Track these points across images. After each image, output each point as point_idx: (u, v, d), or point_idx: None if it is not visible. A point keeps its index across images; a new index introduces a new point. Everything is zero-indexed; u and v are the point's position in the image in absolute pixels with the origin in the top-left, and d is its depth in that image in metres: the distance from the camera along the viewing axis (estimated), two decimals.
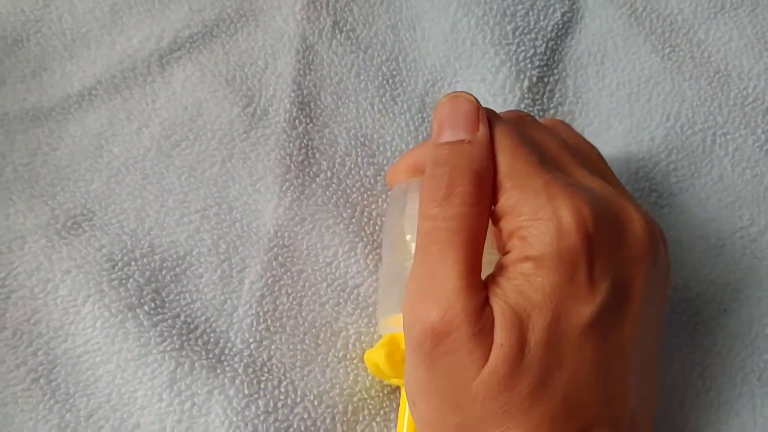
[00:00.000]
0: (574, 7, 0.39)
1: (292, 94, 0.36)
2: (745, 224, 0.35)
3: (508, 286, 0.24)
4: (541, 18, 0.38)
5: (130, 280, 0.32)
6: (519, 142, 0.25)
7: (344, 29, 0.38)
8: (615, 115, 0.37)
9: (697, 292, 0.33)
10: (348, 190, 0.35)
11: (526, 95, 0.36)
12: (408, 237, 0.29)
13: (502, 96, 0.36)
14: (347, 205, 0.34)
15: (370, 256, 0.33)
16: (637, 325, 0.25)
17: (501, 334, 0.23)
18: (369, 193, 0.35)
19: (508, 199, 0.25)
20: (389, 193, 0.35)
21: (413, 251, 0.25)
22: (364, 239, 0.33)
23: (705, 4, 0.39)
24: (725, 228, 0.35)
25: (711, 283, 0.34)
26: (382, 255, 0.32)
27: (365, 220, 0.34)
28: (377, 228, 0.34)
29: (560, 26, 0.38)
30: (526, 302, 0.23)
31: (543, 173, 0.25)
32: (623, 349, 0.24)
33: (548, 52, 0.38)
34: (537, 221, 0.24)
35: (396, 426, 0.30)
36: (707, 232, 0.35)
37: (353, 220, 0.34)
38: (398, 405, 0.31)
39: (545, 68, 0.37)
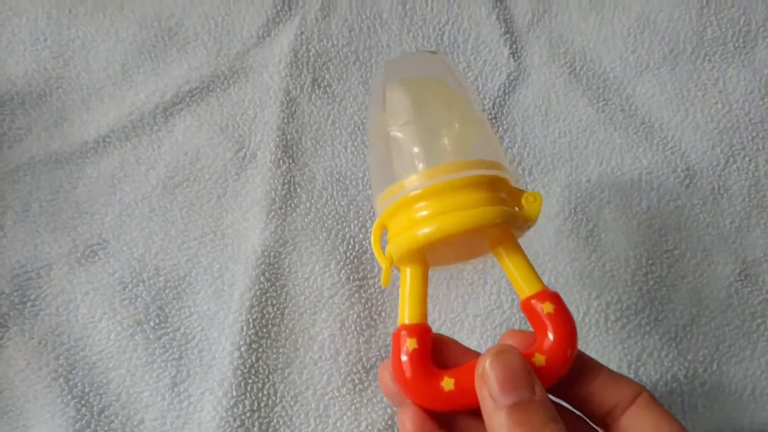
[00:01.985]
0: (520, 66, 0.45)
1: (277, 139, 0.42)
2: (669, 248, 0.40)
3: None
4: (489, 81, 0.44)
5: (138, 299, 0.37)
6: None
7: (322, 84, 0.44)
8: (558, 159, 0.42)
9: (628, 305, 0.39)
10: (324, 218, 0.40)
11: None
12: (391, 131, 0.31)
13: None
14: (323, 229, 0.39)
15: (343, 272, 0.38)
16: None
17: None
18: (342, 219, 0.40)
19: None
20: (370, 84, 0.38)
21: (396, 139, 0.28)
22: (337, 257, 0.39)
23: (633, 64, 0.45)
24: (653, 251, 0.40)
25: (641, 296, 0.39)
26: (370, 145, 0.35)
27: (339, 241, 0.39)
28: (348, 248, 0.39)
29: (507, 84, 0.44)
30: None
31: None
32: None
33: (496, 107, 0.44)
34: None
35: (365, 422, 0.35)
36: (638, 253, 0.40)
37: (327, 242, 0.39)
38: (367, 402, 0.35)
39: (494, 121, 0.43)
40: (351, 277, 0.38)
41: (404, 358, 0.27)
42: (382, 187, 0.30)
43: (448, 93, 0.33)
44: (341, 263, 0.39)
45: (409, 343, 0.27)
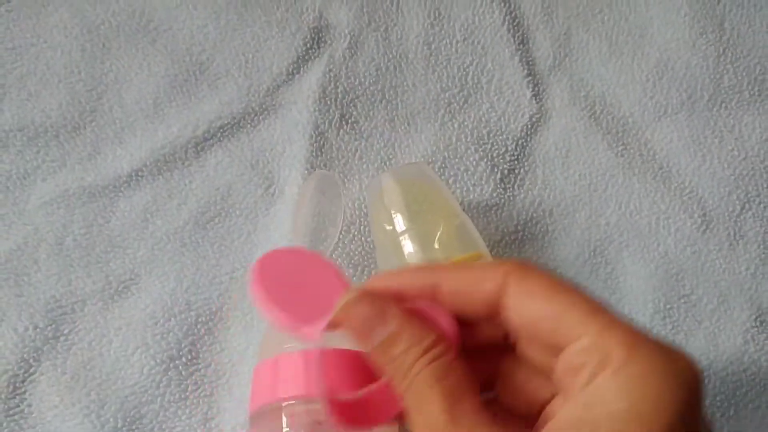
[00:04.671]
0: (542, 108, 0.46)
1: (305, 173, 0.42)
2: (686, 292, 0.42)
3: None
4: (511, 121, 0.45)
5: (171, 334, 0.37)
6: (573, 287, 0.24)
7: (350, 121, 0.45)
8: (578, 201, 0.44)
9: None
10: (351, 253, 0.41)
11: (499, 185, 0.43)
12: (389, 228, 0.36)
13: (479, 186, 0.43)
14: (350, 265, 0.40)
15: None
16: None
17: None
18: (368, 255, 0.41)
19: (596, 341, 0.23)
20: (366, 188, 0.41)
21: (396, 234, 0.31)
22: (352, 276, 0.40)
23: (651, 109, 0.47)
24: (671, 295, 0.41)
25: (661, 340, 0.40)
26: (374, 241, 0.39)
27: (365, 278, 0.40)
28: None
29: (529, 126, 0.45)
30: None
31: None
32: None
33: (518, 148, 0.45)
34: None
35: None
36: (656, 297, 0.41)
37: (354, 278, 0.40)
38: None
39: (515, 162, 0.44)
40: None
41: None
42: None
43: (437, 196, 0.39)
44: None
45: None
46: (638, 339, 0.22)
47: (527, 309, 0.24)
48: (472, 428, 0.23)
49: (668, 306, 0.41)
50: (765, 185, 0.44)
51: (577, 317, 0.23)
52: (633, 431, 0.21)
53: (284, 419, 0.31)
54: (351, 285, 0.27)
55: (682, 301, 0.41)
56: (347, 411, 0.26)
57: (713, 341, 0.40)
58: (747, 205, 0.44)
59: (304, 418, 0.31)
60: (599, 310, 0.23)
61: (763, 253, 0.43)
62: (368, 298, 0.25)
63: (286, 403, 0.31)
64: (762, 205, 0.44)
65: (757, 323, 0.41)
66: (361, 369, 0.28)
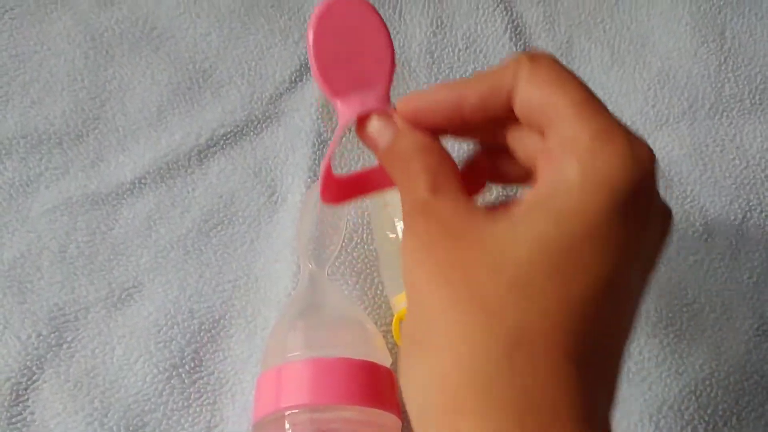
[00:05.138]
0: None
1: (308, 180, 0.42)
2: (689, 301, 0.42)
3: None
4: None
5: (173, 342, 0.37)
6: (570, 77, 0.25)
7: (351, 128, 0.45)
8: None
9: (649, 357, 0.40)
10: (354, 261, 0.41)
11: (501, 194, 0.43)
12: (392, 236, 0.36)
13: (481, 195, 0.43)
14: (352, 273, 0.40)
15: (371, 316, 0.39)
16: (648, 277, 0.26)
17: None
18: (371, 263, 0.41)
19: (566, 128, 0.24)
20: (370, 203, 0.41)
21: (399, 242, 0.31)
22: (366, 302, 0.40)
23: (653, 118, 0.47)
24: (674, 304, 0.42)
25: (662, 349, 0.40)
26: (377, 249, 0.40)
27: (367, 285, 0.40)
28: (377, 293, 0.40)
29: None
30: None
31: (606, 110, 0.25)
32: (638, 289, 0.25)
33: None
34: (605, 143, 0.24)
35: None
36: (659, 306, 0.41)
37: (357, 285, 0.40)
38: None
39: None
40: (378, 322, 0.39)
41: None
42: (396, 291, 0.37)
43: None
44: (369, 307, 0.39)
45: None
46: (605, 127, 0.24)
47: (528, 97, 0.25)
48: (454, 201, 0.25)
49: (671, 315, 0.41)
50: (766, 194, 0.45)
51: (563, 105, 0.25)
52: (582, 199, 0.23)
53: (288, 428, 0.31)
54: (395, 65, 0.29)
55: (685, 309, 0.41)
56: (340, 187, 0.30)
57: (716, 350, 0.40)
58: (748, 214, 0.44)
59: (307, 427, 0.31)
60: (585, 100, 0.25)
61: (765, 261, 0.43)
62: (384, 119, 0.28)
63: (290, 412, 0.31)
64: (763, 214, 0.44)
65: (760, 332, 0.41)
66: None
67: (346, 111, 0.29)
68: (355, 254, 0.41)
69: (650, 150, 0.24)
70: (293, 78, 0.46)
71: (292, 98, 0.45)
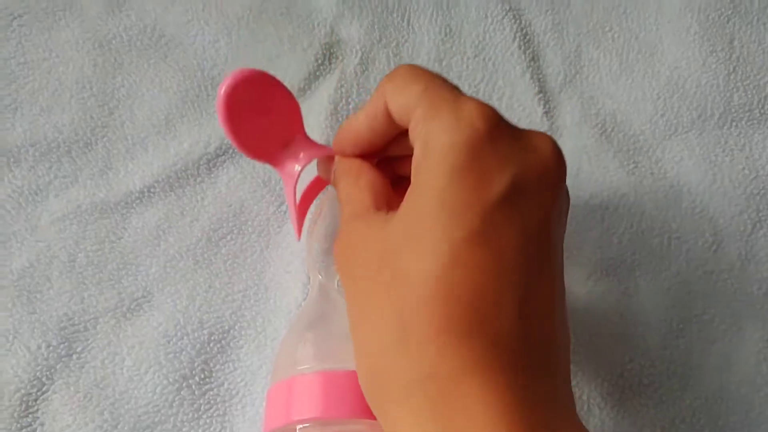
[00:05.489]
0: (553, 126, 0.46)
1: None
2: (698, 312, 0.42)
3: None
4: None
5: (183, 353, 0.37)
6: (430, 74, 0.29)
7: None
8: (590, 220, 0.44)
9: (661, 370, 0.40)
10: None
11: None
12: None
13: None
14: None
15: None
16: (547, 221, 0.27)
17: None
18: None
19: (420, 112, 0.28)
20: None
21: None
22: None
23: (662, 127, 0.47)
24: (684, 315, 0.41)
25: (673, 361, 0.40)
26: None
27: None
28: None
29: None
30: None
31: (456, 91, 0.28)
32: (532, 232, 0.26)
33: None
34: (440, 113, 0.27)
35: None
36: (669, 317, 0.41)
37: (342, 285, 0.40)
38: None
39: None
40: None
41: None
42: None
43: None
44: None
45: None
46: (435, 104, 0.27)
47: (393, 107, 0.29)
48: (389, 204, 0.30)
49: (681, 326, 0.41)
50: None
51: (411, 101, 0.28)
52: (428, 178, 0.26)
53: None
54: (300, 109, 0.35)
55: (695, 321, 0.41)
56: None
57: (726, 362, 0.40)
58: (758, 225, 0.44)
59: None
60: (425, 89, 0.28)
61: None
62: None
63: (301, 426, 0.31)
64: None
65: None
66: None
67: (288, 174, 0.35)
68: None
69: (480, 108, 0.27)
70: (302, 86, 0.46)
71: (301, 106, 0.45)
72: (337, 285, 0.38)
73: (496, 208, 0.25)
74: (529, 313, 0.26)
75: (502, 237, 0.25)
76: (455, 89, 0.28)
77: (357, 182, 0.31)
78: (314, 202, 0.39)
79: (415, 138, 0.28)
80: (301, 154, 0.34)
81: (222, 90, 0.31)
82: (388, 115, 0.30)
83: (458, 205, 0.25)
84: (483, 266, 0.25)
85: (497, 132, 0.26)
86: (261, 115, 0.33)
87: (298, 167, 0.34)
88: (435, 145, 0.26)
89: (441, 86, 0.28)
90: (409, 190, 0.27)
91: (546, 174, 0.27)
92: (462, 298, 0.25)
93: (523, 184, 0.26)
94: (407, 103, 0.28)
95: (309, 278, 0.39)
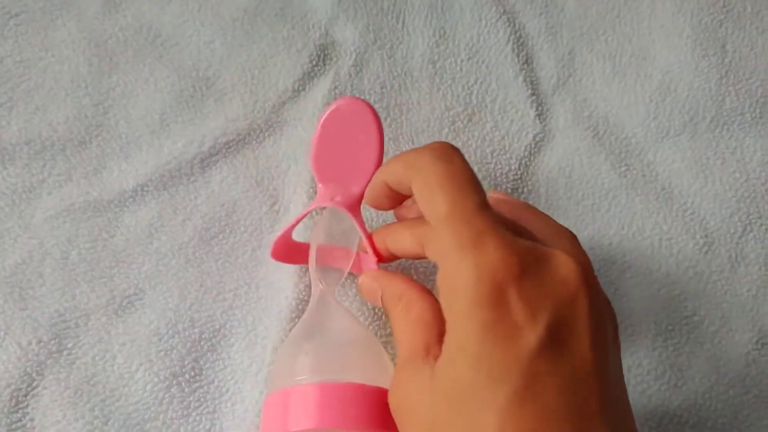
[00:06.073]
0: (545, 128, 0.47)
1: (310, 190, 0.42)
2: (688, 314, 0.42)
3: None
4: (515, 141, 0.46)
5: (174, 351, 0.37)
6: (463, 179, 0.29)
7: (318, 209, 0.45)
8: (581, 222, 0.44)
9: (649, 370, 0.40)
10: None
11: None
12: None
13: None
14: (353, 284, 0.40)
15: (371, 327, 0.39)
16: (591, 351, 0.26)
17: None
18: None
19: (437, 242, 0.28)
20: None
21: None
22: (365, 313, 0.40)
23: (654, 130, 0.47)
24: (673, 316, 0.42)
25: (662, 362, 0.40)
26: None
27: (354, 295, 0.40)
28: (365, 303, 0.40)
29: (533, 146, 0.46)
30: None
31: (478, 219, 0.27)
32: (580, 374, 0.25)
33: (522, 168, 0.45)
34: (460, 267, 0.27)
35: None
36: (659, 319, 0.41)
37: (358, 295, 0.40)
38: None
39: (519, 181, 0.45)
40: (379, 333, 0.39)
41: None
42: None
43: None
44: (369, 318, 0.40)
45: None
46: (454, 255, 0.27)
47: (420, 204, 0.30)
48: (440, 335, 0.28)
49: (670, 327, 0.41)
50: (766, 207, 0.45)
51: (435, 224, 0.28)
52: (453, 328, 0.27)
53: None
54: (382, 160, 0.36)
55: (684, 322, 0.41)
56: (293, 250, 0.38)
57: (715, 363, 0.40)
58: (748, 227, 0.44)
59: None
60: (449, 219, 0.28)
61: (765, 275, 0.43)
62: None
63: None
64: (763, 227, 0.44)
65: (759, 345, 0.41)
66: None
67: (320, 196, 0.36)
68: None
69: (501, 256, 0.26)
70: (296, 87, 0.46)
71: (295, 107, 0.45)
72: (336, 294, 0.38)
73: (534, 359, 0.25)
74: None
75: (547, 387, 0.24)
76: (478, 213, 0.27)
77: (407, 315, 0.31)
78: (315, 211, 0.40)
79: (442, 278, 0.27)
80: (335, 195, 0.36)
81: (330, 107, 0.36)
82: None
83: (495, 365, 0.25)
84: (532, 424, 0.24)
85: (521, 277, 0.26)
86: (346, 144, 0.36)
87: (321, 202, 0.36)
88: (461, 299, 0.26)
89: (463, 214, 0.27)
90: (446, 336, 0.27)
91: (578, 303, 0.26)
92: None
93: (558, 325, 0.25)
94: (430, 215, 0.29)
95: (300, 279, 0.39)
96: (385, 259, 0.36)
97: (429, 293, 0.32)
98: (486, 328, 0.25)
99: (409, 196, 0.32)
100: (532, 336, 0.25)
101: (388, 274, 0.34)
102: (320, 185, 0.36)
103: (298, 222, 0.36)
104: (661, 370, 0.40)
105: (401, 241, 0.33)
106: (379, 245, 0.36)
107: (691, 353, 0.41)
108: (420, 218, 0.31)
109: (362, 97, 0.46)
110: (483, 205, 0.28)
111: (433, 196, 0.28)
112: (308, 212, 0.36)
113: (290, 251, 0.39)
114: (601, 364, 0.26)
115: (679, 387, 0.40)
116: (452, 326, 0.27)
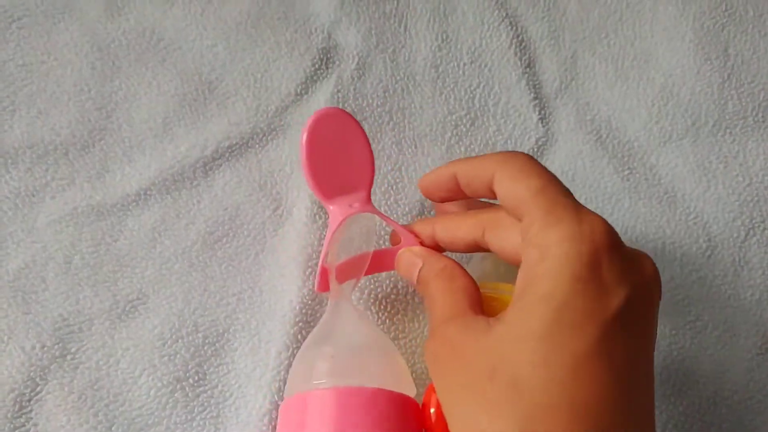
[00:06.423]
0: (548, 132, 0.47)
1: (312, 195, 0.42)
2: (692, 318, 0.42)
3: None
4: (518, 145, 0.46)
5: (178, 356, 0.37)
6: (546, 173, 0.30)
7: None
8: None
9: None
10: (378, 287, 0.41)
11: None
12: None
13: None
14: (357, 287, 0.40)
15: (393, 339, 0.39)
16: (650, 339, 0.28)
17: None
18: (375, 278, 0.41)
19: (534, 217, 0.28)
20: None
21: None
22: (370, 317, 0.40)
23: (656, 134, 0.47)
24: (677, 321, 0.42)
25: (666, 367, 0.40)
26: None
27: (371, 300, 0.40)
28: (382, 308, 0.40)
29: (536, 149, 0.46)
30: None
31: (572, 197, 0.29)
32: (641, 352, 0.27)
33: None
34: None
35: None
36: (662, 323, 0.41)
37: (360, 301, 0.40)
38: None
39: None
40: (402, 350, 0.39)
41: None
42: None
43: None
44: (375, 318, 0.40)
45: None
46: (555, 210, 0.28)
47: (501, 189, 0.30)
48: (460, 324, 0.29)
49: (674, 332, 0.41)
50: None
51: (524, 196, 0.29)
52: (545, 284, 0.26)
53: None
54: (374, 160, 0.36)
55: (688, 327, 0.41)
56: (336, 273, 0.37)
57: (719, 368, 0.40)
58: (751, 231, 0.44)
59: None
60: (543, 188, 0.29)
61: (767, 277, 0.43)
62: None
63: None
64: (767, 231, 0.44)
65: (763, 350, 0.41)
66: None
67: (336, 213, 0.35)
68: (379, 280, 0.41)
69: (602, 223, 0.28)
70: (299, 91, 0.46)
71: (298, 111, 0.45)
72: (355, 300, 0.38)
73: (612, 322, 0.26)
74: (641, 427, 0.26)
75: (616, 351, 0.26)
76: (571, 195, 0.29)
77: (451, 285, 0.32)
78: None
79: (530, 241, 0.28)
80: (351, 204, 0.36)
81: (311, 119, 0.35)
82: (488, 189, 0.31)
83: (579, 316, 0.26)
84: (603, 379, 0.25)
85: (615, 248, 0.27)
86: (336, 155, 0.36)
87: (340, 217, 0.35)
88: (555, 254, 0.27)
89: (558, 190, 0.29)
90: (519, 294, 0.28)
91: (650, 294, 0.28)
92: (586, 409, 0.25)
93: (632, 301, 0.27)
94: (521, 196, 0.29)
95: (304, 283, 0.39)
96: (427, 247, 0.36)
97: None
98: (578, 280, 0.26)
99: (467, 197, 0.34)
100: (615, 299, 0.26)
101: (430, 250, 0.35)
102: (329, 204, 0.36)
103: (328, 248, 0.36)
104: (666, 375, 0.40)
105: (456, 226, 0.34)
106: (424, 233, 0.35)
107: (695, 358, 0.41)
108: (480, 209, 0.33)
109: (365, 101, 0.46)
110: (569, 191, 0.29)
111: (524, 178, 0.29)
112: (333, 234, 0.35)
113: (326, 279, 0.37)
114: (652, 352, 0.28)
115: (683, 392, 0.40)
116: (538, 280, 0.27)
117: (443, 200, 0.36)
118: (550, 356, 0.25)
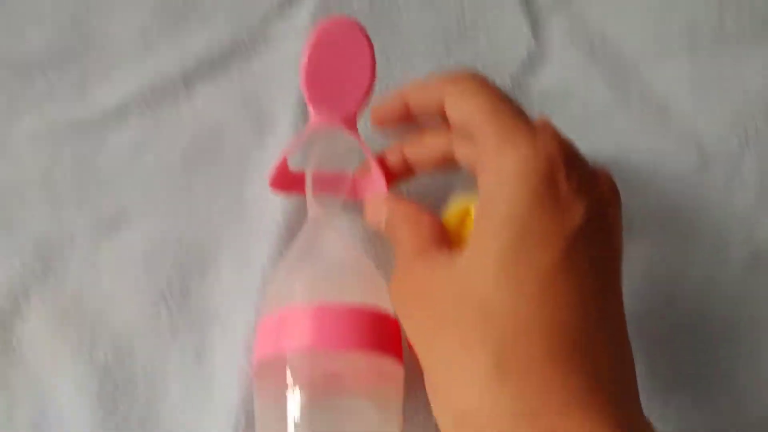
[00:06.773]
0: (540, 45, 0.45)
1: (296, 108, 0.41)
2: (683, 233, 0.41)
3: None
4: (509, 59, 0.44)
5: (161, 272, 0.37)
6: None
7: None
8: (574, 138, 0.42)
9: (642, 285, 0.40)
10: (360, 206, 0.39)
11: None
12: None
13: None
14: (349, 210, 0.39)
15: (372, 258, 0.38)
16: (615, 250, 0.29)
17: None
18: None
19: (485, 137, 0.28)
20: None
21: None
22: (354, 233, 0.39)
23: (652, 50, 0.45)
24: (667, 236, 0.41)
25: (654, 283, 0.40)
26: None
27: (358, 211, 0.39)
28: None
29: (527, 64, 0.44)
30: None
31: (525, 115, 0.29)
32: (605, 263, 0.28)
33: (515, 87, 0.44)
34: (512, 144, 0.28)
35: None
36: (652, 237, 0.41)
37: (352, 223, 0.39)
38: None
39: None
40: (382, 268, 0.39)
41: None
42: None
43: None
44: (359, 234, 0.39)
45: None
46: (509, 130, 0.28)
47: (452, 111, 0.30)
48: (427, 259, 0.29)
49: (664, 247, 0.41)
50: (764, 125, 0.44)
51: (477, 116, 0.29)
52: (501, 204, 0.27)
53: (288, 371, 0.31)
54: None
55: (679, 241, 0.41)
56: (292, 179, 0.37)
57: (710, 279, 0.40)
58: (746, 147, 0.43)
59: (308, 370, 0.31)
60: (495, 109, 0.29)
61: (760, 193, 0.42)
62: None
63: (291, 354, 0.31)
64: (760, 146, 0.43)
65: (754, 261, 0.41)
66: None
67: (315, 118, 0.35)
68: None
69: (555, 140, 0.28)
70: (282, 2, 0.44)
71: (281, 23, 0.44)
72: (331, 217, 0.37)
73: (575, 237, 0.26)
74: (616, 341, 0.27)
75: (581, 265, 0.26)
76: (523, 113, 0.29)
77: (416, 225, 0.32)
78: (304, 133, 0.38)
79: (485, 165, 0.28)
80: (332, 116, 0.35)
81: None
82: (440, 109, 0.31)
83: (540, 235, 0.26)
84: (572, 294, 0.26)
85: (570, 164, 0.27)
86: (338, 64, 0.34)
87: (316, 123, 0.35)
88: (512, 172, 0.27)
89: (510, 110, 0.29)
90: (478, 221, 0.28)
91: (609, 209, 0.29)
92: (559, 327, 0.25)
93: (592, 215, 0.27)
94: (472, 116, 0.29)
95: (290, 201, 0.39)
96: (395, 175, 0.36)
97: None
98: (536, 200, 0.26)
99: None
100: (576, 214, 0.26)
101: (398, 198, 0.35)
102: (313, 108, 0.35)
103: (294, 148, 0.35)
104: (654, 290, 0.40)
105: (425, 145, 0.34)
106: (393, 159, 0.35)
107: (683, 271, 0.41)
108: (444, 128, 0.33)
109: (350, 14, 0.44)
110: (521, 108, 0.30)
111: (474, 98, 0.29)
112: (305, 136, 0.35)
113: (288, 180, 0.37)
114: (618, 263, 0.29)
115: (671, 305, 0.40)
116: (498, 201, 0.27)
117: (397, 125, 0.36)
118: (515, 278, 0.25)
